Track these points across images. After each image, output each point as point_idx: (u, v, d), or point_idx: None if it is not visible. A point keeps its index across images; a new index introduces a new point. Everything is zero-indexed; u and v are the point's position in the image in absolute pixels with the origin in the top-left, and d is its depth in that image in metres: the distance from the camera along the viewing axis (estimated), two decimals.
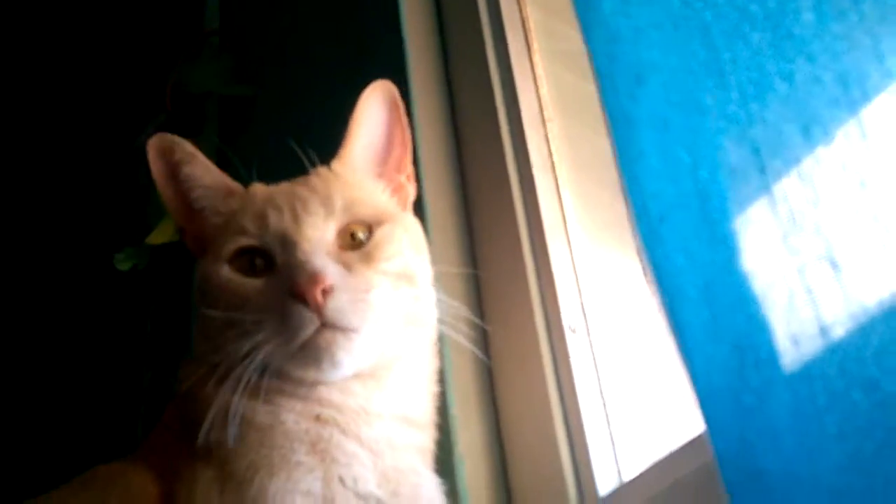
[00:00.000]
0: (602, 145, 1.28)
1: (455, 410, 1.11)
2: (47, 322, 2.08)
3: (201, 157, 0.95)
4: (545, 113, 1.23)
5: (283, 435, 0.82)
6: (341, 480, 0.82)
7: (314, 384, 0.86)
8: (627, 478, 1.00)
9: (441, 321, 0.92)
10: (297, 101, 1.70)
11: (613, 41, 0.69)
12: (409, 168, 1.00)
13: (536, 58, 1.27)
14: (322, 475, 0.81)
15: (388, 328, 0.85)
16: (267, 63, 1.92)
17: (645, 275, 1.20)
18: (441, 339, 1.13)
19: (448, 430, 1.08)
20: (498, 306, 1.16)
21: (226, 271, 0.88)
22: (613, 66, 0.71)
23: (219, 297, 0.87)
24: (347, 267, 0.85)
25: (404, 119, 0.99)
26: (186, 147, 0.94)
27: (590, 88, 1.32)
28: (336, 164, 0.95)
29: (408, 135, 0.99)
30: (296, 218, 0.87)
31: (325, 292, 0.80)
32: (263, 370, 0.82)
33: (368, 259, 0.86)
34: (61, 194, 2.17)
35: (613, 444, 1.03)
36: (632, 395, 1.07)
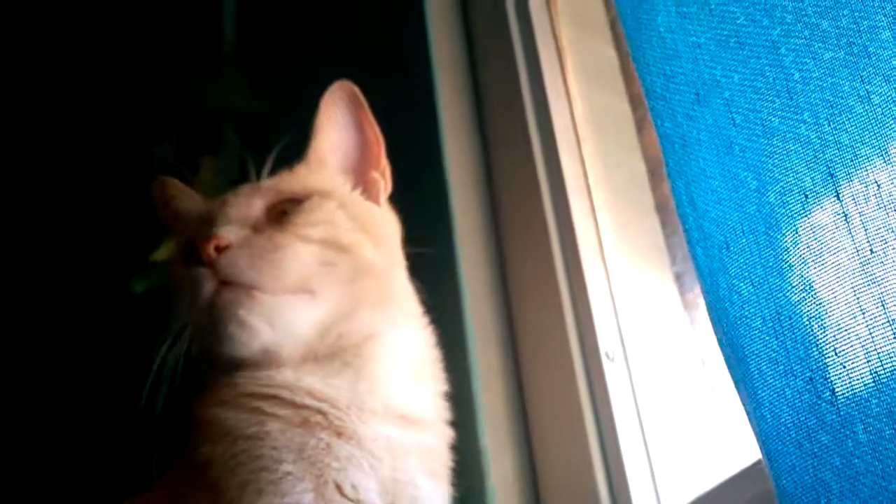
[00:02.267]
0: (636, 166, 1.25)
1: (486, 441, 1.07)
2: (60, 342, 2.04)
3: (188, 192, 0.99)
4: (579, 133, 1.20)
5: (270, 445, 0.78)
6: (338, 488, 0.77)
7: (299, 380, 0.82)
8: None
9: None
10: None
11: (670, 58, 0.65)
12: (383, 162, 0.99)
13: (570, 76, 1.24)
14: (313, 485, 0.76)
15: (322, 300, 0.82)
16: (285, 79, 1.89)
17: (682, 300, 1.17)
18: (470, 366, 1.10)
19: (479, 462, 1.05)
20: (530, 332, 1.13)
21: (174, 268, 0.88)
22: (669, 84, 0.68)
23: (172, 296, 0.87)
24: (257, 231, 0.83)
25: (369, 115, 0.98)
26: (176, 185, 1.00)
27: (622, 107, 1.29)
28: (298, 165, 0.94)
29: (375, 130, 0.98)
30: (221, 202, 0.87)
31: (220, 249, 0.79)
32: (216, 367, 0.82)
33: (284, 224, 0.84)
34: (74, 213, 2.14)
35: (653, 476, 0.99)
36: (672, 424, 1.03)
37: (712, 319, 0.71)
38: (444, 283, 1.15)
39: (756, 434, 0.68)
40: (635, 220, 1.19)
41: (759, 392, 0.65)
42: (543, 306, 1.11)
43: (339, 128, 0.97)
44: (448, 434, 0.88)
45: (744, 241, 0.66)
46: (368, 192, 0.97)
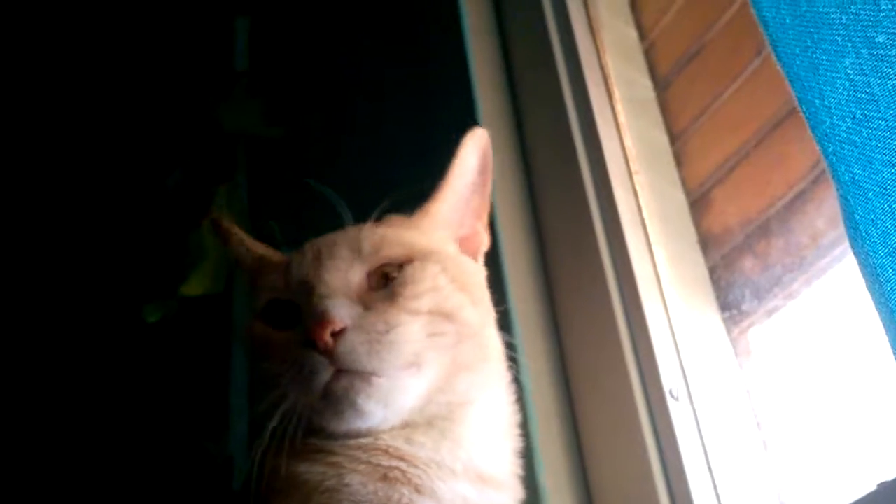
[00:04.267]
0: (678, 198, 1.23)
1: (544, 479, 1.04)
2: (70, 371, 1.99)
3: (236, 232, 0.96)
4: (631, 165, 1.18)
5: (348, 499, 0.76)
6: None
7: (380, 437, 0.79)
8: None
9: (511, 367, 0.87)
10: (340, 148, 1.65)
11: (864, 102, 0.61)
12: (486, 217, 0.96)
13: (619, 107, 1.22)
14: None
15: (428, 371, 0.78)
16: (304, 108, 1.87)
17: (730, 337, 1.15)
18: (524, 398, 1.07)
19: (537, 502, 1.02)
20: (586, 370, 1.10)
21: (257, 326, 0.84)
22: (864, 129, 0.63)
23: (254, 353, 0.84)
24: (368, 307, 0.79)
25: (491, 167, 0.95)
26: (229, 227, 0.97)
27: (662, 139, 1.28)
28: (419, 212, 0.91)
29: (490, 184, 0.95)
30: (317, 263, 0.82)
31: (336, 335, 0.75)
32: (301, 426, 0.77)
33: (392, 297, 0.80)
34: (86, 241, 2.10)
35: None
36: (738, 465, 1.01)
37: None
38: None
39: None
40: (683, 254, 1.18)
41: None
42: (601, 344, 1.08)
43: (467, 179, 0.93)
44: (520, 492, 0.86)
45: None
46: (469, 243, 0.94)
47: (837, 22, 0.67)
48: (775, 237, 1.09)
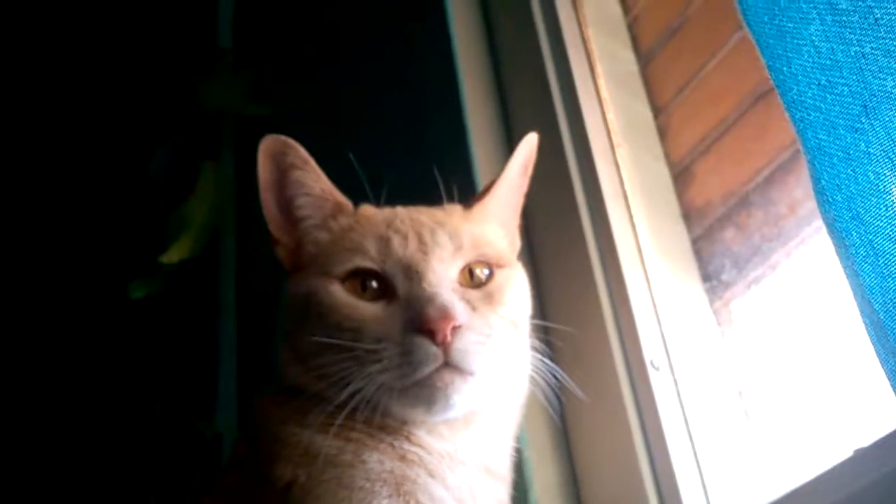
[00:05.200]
0: (661, 171, 1.24)
1: (529, 452, 1.05)
2: (58, 351, 1.99)
3: (314, 165, 0.89)
4: (613, 138, 1.18)
5: (364, 475, 0.77)
6: None
7: (406, 424, 0.81)
8: None
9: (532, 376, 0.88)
10: (326, 124, 1.64)
11: (827, 68, 0.63)
12: (518, 218, 0.98)
13: (601, 81, 1.22)
14: None
15: (497, 375, 0.81)
16: (289, 84, 1.86)
17: (713, 308, 1.16)
18: None
19: (521, 472, 1.03)
20: (570, 341, 1.11)
21: (337, 290, 0.82)
22: (828, 95, 0.64)
23: (326, 319, 0.82)
24: (471, 306, 0.80)
25: (531, 170, 0.97)
26: (300, 151, 0.89)
27: (645, 113, 1.28)
28: (476, 204, 0.92)
29: (526, 186, 0.97)
30: (423, 248, 0.82)
31: (454, 330, 0.76)
32: (359, 404, 0.77)
33: (490, 301, 0.82)
34: (71, 219, 2.10)
35: (705, 488, 0.97)
36: (720, 433, 1.02)
37: (879, 337, 0.66)
38: None
39: None
40: (665, 226, 1.18)
41: None
42: (582, 315, 1.09)
43: (515, 177, 0.95)
44: (511, 492, 0.88)
45: None
46: (511, 245, 0.95)
47: None
48: (756, 209, 1.10)
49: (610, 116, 1.20)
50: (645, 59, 1.32)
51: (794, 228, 1.04)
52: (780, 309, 1.05)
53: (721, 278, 1.14)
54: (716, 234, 1.15)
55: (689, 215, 1.22)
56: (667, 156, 1.26)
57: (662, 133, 1.27)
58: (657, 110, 1.29)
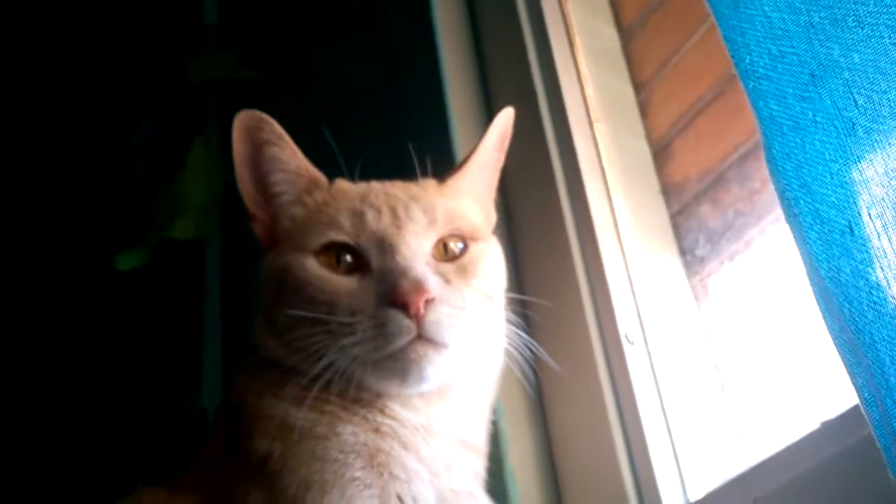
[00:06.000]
0: (641, 148, 1.24)
1: (504, 423, 1.06)
2: (43, 326, 1.99)
3: (289, 141, 0.89)
4: (591, 114, 1.19)
5: (337, 447, 0.78)
6: (399, 499, 0.77)
7: (380, 396, 0.81)
8: (694, 496, 0.96)
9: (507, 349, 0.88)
10: (308, 93, 1.64)
11: (777, 38, 0.63)
12: (494, 192, 0.98)
13: (580, 56, 1.22)
14: (379, 492, 0.77)
15: (471, 347, 0.81)
16: (275, 60, 1.86)
17: (690, 282, 1.16)
18: None
19: (497, 444, 1.04)
20: (546, 314, 1.11)
21: (312, 264, 0.83)
22: (777, 64, 0.65)
23: (300, 292, 0.82)
24: (445, 279, 0.81)
25: (507, 145, 0.97)
26: (275, 127, 0.89)
27: (626, 90, 1.28)
28: (450, 178, 0.92)
29: (502, 161, 0.98)
30: (397, 222, 0.83)
31: (427, 303, 0.77)
32: (333, 377, 0.78)
33: (464, 274, 0.83)
34: (55, 193, 2.09)
35: (677, 459, 0.98)
36: (693, 407, 1.03)
37: (826, 304, 0.68)
38: None
39: (886, 420, 0.65)
40: (644, 201, 1.19)
41: (892, 378, 0.63)
42: (559, 288, 1.10)
43: (490, 152, 0.95)
44: (486, 464, 0.89)
45: (871, 224, 0.63)
46: (487, 220, 0.96)
47: None
48: (733, 185, 1.10)
49: (589, 92, 1.20)
50: (627, 35, 1.32)
51: (768, 205, 1.04)
52: (755, 283, 1.06)
53: (696, 253, 1.15)
54: (693, 209, 1.16)
55: (667, 191, 1.22)
56: (648, 132, 1.26)
57: (644, 110, 1.28)
58: (638, 87, 1.29)
